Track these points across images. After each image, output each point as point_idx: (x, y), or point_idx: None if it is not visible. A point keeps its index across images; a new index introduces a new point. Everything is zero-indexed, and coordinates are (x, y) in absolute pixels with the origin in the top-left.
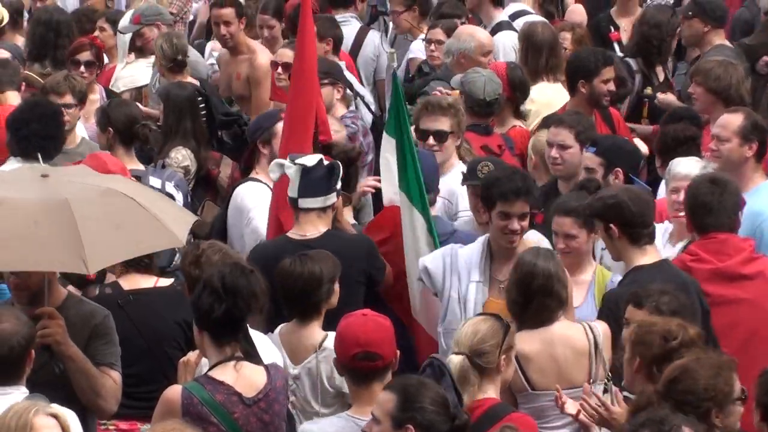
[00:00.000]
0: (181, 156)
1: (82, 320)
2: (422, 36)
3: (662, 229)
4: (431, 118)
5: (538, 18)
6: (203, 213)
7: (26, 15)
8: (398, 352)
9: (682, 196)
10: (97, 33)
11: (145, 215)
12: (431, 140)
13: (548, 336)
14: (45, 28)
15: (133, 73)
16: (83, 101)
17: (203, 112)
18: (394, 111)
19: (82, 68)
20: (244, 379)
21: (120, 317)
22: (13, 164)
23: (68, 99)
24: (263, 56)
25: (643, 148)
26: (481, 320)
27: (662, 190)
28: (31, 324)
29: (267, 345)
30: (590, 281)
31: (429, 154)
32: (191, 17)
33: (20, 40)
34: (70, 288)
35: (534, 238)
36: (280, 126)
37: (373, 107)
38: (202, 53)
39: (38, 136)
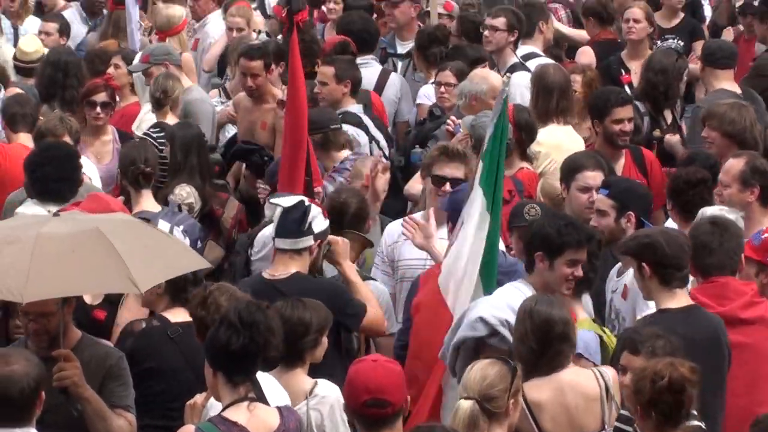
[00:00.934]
0: (186, 193)
1: (96, 361)
2: (431, 81)
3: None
4: (449, 165)
5: (549, 61)
6: (204, 253)
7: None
8: (408, 398)
9: None
10: (111, 70)
11: (167, 239)
12: (447, 186)
13: (558, 383)
14: (53, 69)
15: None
16: (78, 142)
17: None
18: (498, 132)
19: (98, 109)
20: (258, 420)
21: (170, 349)
22: (29, 206)
23: (66, 140)
24: None
25: None
26: (488, 364)
27: None
28: (42, 365)
29: (276, 387)
30: None
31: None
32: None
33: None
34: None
35: None
36: None
37: (386, 151)
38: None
39: (51, 179)
